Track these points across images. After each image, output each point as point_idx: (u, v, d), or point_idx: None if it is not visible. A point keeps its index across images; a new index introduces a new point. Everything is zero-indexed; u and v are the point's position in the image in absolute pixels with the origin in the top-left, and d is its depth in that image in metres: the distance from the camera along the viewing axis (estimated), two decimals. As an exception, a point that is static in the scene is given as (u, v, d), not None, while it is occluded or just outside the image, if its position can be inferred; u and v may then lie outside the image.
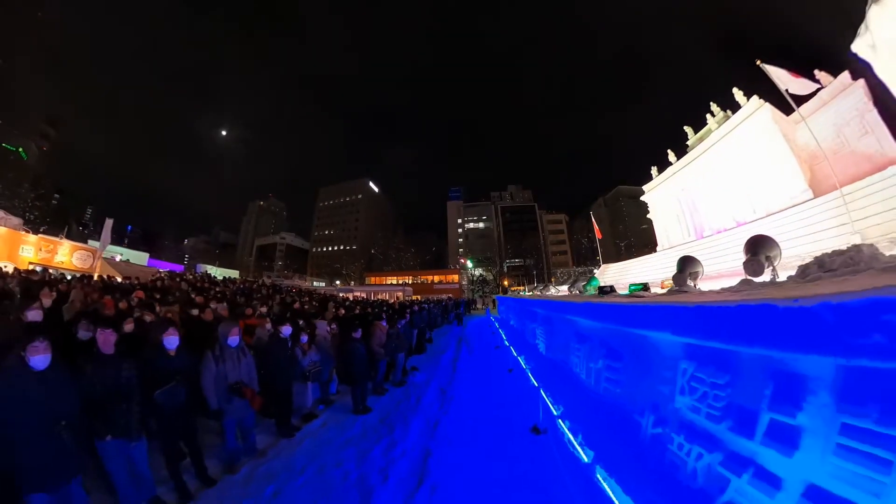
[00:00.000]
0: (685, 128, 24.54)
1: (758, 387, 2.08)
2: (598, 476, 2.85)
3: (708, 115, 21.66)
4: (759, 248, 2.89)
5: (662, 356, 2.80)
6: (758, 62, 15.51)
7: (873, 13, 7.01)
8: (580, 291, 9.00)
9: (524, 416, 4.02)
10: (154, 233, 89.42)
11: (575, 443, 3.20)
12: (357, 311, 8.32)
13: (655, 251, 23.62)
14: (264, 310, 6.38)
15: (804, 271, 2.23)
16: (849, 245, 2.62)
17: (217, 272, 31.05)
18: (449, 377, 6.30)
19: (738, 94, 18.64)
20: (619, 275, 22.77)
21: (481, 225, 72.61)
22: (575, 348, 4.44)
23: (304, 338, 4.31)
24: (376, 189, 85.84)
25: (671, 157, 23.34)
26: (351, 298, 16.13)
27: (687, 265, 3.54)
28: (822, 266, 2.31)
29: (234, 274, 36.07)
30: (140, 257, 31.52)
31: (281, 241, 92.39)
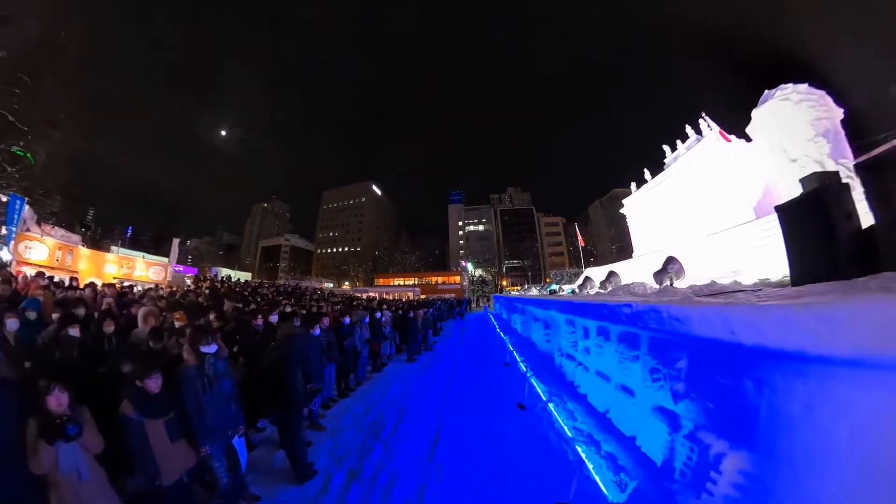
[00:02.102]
0: (664, 146, 27.78)
1: (581, 331, 5.36)
2: (532, 380, 6.14)
3: (678, 142, 24.92)
4: (610, 277, 6.18)
5: (560, 323, 6.10)
6: (703, 114, 19.03)
7: (755, 113, 10.30)
8: (546, 292, 12.31)
9: (501, 361, 7.34)
10: (163, 236, 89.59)
11: (524, 368, 6.50)
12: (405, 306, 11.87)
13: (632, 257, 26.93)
14: (338, 307, 9.69)
15: (609, 289, 5.50)
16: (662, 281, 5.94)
17: (232, 275, 33.07)
18: (457, 347, 9.72)
19: (703, 125, 21.90)
20: (597, 277, 26.15)
21: (481, 227, 75.28)
22: (533, 326, 7.77)
23: (384, 318, 7.63)
24: (379, 192, 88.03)
25: (647, 175, 26.64)
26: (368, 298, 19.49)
27: (587, 281, 6.82)
28: (628, 289, 5.60)
29: (247, 276, 38.46)
30: (161, 262, 34.00)
31: (285, 242, 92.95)
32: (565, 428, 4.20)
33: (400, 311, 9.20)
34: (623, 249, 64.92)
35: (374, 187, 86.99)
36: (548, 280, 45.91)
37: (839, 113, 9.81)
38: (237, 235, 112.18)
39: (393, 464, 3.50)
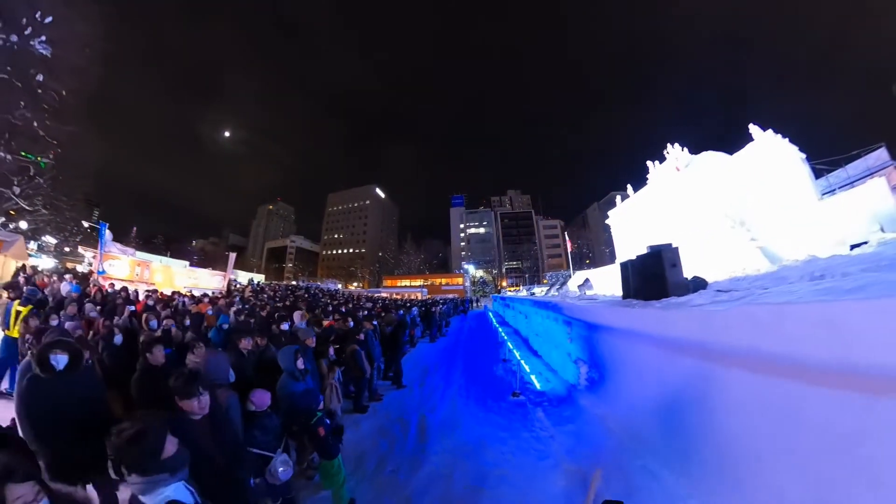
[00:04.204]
0: (647, 162, 31.22)
1: (540, 317, 9.05)
2: (513, 350, 9.84)
3: (656, 162, 28.43)
4: (562, 285, 9.86)
5: (531, 312, 9.79)
6: (670, 145, 22.47)
7: (678, 174, 13.95)
8: (529, 294, 16.06)
9: (495, 341, 11.03)
10: (175, 237, 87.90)
11: (507, 340, 10.24)
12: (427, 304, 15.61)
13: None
14: (379, 304, 13.42)
15: (560, 292, 9.14)
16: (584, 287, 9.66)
17: (254, 278, 34.90)
18: (463, 334, 13.48)
19: (679, 148, 25.44)
20: (579, 280, 29.92)
21: (482, 230, 77.74)
22: (517, 317, 11.47)
23: (415, 311, 11.35)
24: (382, 195, 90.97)
25: (630, 190, 30.18)
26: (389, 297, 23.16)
27: (552, 286, 10.53)
28: (564, 293, 9.26)
29: (261, 278, 39.77)
30: (180, 265, 35.33)
31: (291, 243, 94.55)
32: (527, 368, 7.87)
33: (423, 308, 12.92)
34: (613, 253, 68.71)
35: (378, 190, 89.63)
36: (544, 281, 49.67)
37: (747, 175, 13.32)
38: (243, 237, 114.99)
39: (439, 380, 7.20)
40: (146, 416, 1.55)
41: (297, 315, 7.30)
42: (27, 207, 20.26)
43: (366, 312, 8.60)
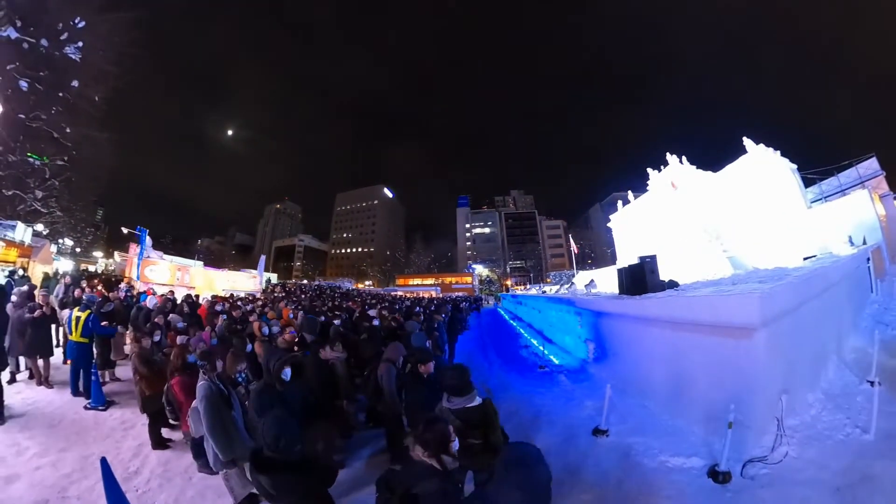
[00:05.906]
0: (648, 170, 33.02)
1: (554, 310, 11.33)
2: (531, 339, 12.13)
3: (655, 171, 30.42)
4: (571, 284, 12.14)
5: (545, 307, 12.08)
6: (670, 155, 24.34)
7: (673, 189, 16.13)
8: (539, 292, 18.38)
9: (513, 333, 13.31)
10: (182, 237, 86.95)
11: (521, 330, 12.55)
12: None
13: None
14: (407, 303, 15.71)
15: (569, 290, 11.42)
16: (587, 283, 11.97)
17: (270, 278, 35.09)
18: (484, 328, 15.81)
19: (677, 161, 27.43)
20: (585, 280, 32.08)
21: (487, 230, 79.54)
22: (530, 312, 13.77)
23: (450, 308, 13.68)
24: (390, 195, 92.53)
25: (630, 196, 32.25)
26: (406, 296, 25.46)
27: (562, 286, 12.83)
28: (573, 291, 11.53)
29: (273, 277, 38.48)
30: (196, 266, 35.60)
31: (300, 242, 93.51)
32: (546, 352, 10.15)
33: (453, 305, 15.26)
34: (615, 254, 70.64)
35: (386, 190, 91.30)
36: (548, 280, 51.85)
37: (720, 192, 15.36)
38: (249, 236, 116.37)
39: (480, 361, 9.49)
40: (457, 365, 3.71)
41: (372, 312, 9.64)
42: (42, 210, 20.08)
43: (419, 309, 10.89)
